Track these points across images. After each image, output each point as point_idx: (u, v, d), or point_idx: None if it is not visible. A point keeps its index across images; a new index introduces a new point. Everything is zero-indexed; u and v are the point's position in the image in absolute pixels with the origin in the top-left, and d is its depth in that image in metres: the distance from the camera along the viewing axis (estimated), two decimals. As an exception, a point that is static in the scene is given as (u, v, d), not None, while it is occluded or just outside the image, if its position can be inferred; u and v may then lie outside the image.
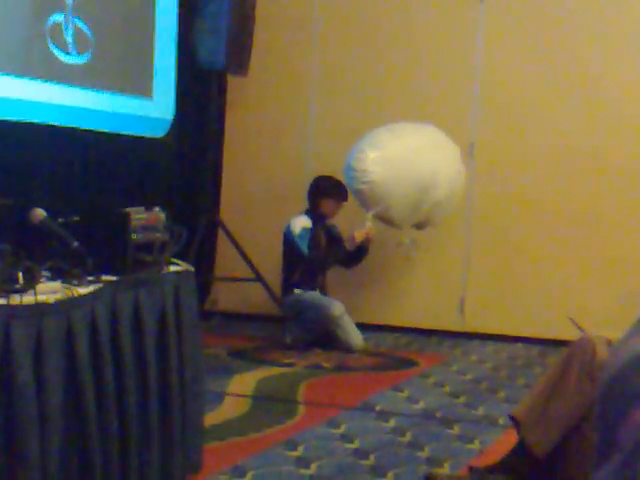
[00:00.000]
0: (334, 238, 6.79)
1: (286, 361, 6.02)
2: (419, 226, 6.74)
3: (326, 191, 6.69)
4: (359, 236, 6.50)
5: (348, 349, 6.39)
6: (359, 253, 6.69)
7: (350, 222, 6.80)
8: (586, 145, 6.88)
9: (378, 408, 4.90)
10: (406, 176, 6.38)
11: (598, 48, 6.88)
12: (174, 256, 3.54)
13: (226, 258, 7.53)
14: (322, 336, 6.49)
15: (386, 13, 7.32)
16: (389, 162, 6.38)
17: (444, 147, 6.60)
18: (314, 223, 6.66)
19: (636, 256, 6.82)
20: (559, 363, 3.38)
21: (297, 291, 6.61)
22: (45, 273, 2.86)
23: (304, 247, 6.55)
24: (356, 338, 6.47)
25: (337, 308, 6.45)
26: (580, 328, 3.59)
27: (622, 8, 6.85)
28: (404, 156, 6.42)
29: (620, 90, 6.82)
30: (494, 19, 7.07)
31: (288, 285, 6.67)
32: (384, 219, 6.57)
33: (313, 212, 6.71)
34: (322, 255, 6.62)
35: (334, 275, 6.87)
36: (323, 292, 6.71)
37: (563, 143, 6.83)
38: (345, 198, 6.70)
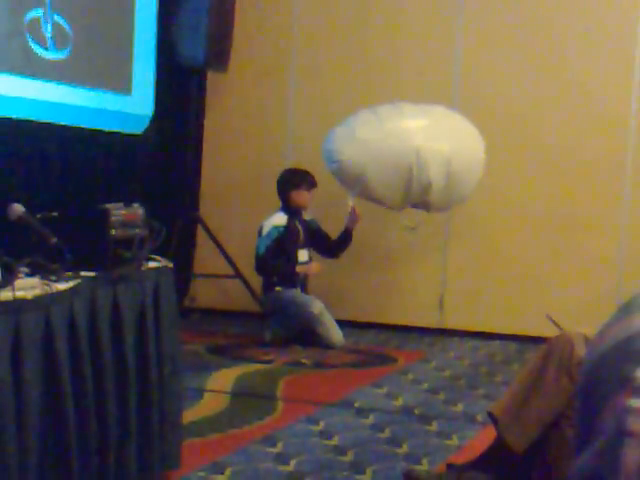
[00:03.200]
0: (313, 232, 6.79)
1: (265, 358, 6.02)
2: (425, 208, 6.62)
3: (292, 182, 6.68)
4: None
5: (328, 345, 6.39)
6: (345, 239, 6.69)
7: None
8: (563, 145, 6.92)
9: (357, 405, 4.91)
10: (378, 155, 6.30)
11: (577, 50, 6.91)
12: (153, 252, 3.53)
13: (205, 254, 7.52)
14: (302, 333, 6.49)
15: (367, 8, 7.33)
16: (358, 141, 6.35)
17: (443, 128, 6.44)
18: (290, 218, 6.66)
19: (611, 254, 6.87)
20: (537, 360, 3.40)
21: (278, 289, 6.60)
22: (23, 269, 2.84)
23: (262, 246, 6.54)
24: (337, 334, 6.48)
25: (317, 306, 6.45)
26: (557, 325, 3.61)
27: (600, 9, 6.88)
28: (376, 135, 6.33)
29: (599, 91, 6.85)
30: (474, 20, 7.09)
31: (269, 283, 6.66)
32: (374, 200, 6.53)
33: (287, 207, 6.70)
34: (268, 263, 6.58)
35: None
36: (304, 290, 6.70)
37: (538, 143, 6.87)
38: (313, 185, 6.68)
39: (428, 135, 6.34)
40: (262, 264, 6.57)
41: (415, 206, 6.59)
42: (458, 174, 6.38)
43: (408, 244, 7.24)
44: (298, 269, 6.59)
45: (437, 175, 6.31)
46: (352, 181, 6.44)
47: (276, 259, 6.57)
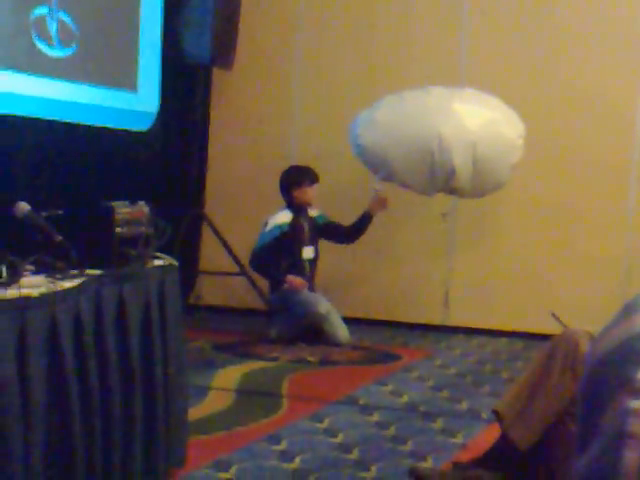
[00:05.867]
0: (321, 227, 6.78)
1: (270, 355, 6.02)
2: (456, 194, 6.55)
3: (294, 180, 6.68)
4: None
5: (334, 343, 6.39)
6: (364, 223, 6.64)
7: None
8: (569, 142, 6.91)
9: (362, 402, 4.91)
10: (399, 139, 6.27)
11: (577, 48, 6.90)
12: (158, 250, 3.54)
13: (210, 252, 7.53)
14: (308, 331, 6.49)
15: (371, 4, 7.33)
16: (379, 125, 6.34)
17: (471, 112, 6.30)
18: (295, 215, 6.66)
19: (617, 252, 6.86)
20: (542, 357, 3.40)
21: (285, 287, 6.59)
22: (29, 267, 2.85)
23: (260, 243, 6.55)
24: (343, 332, 6.48)
25: (324, 306, 6.45)
26: (562, 323, 3.61)
27: (608, 6, 6.87)
28: (397, 118, 6.31)
29: (601, 88, 6.84)
30: (477, 13, 7.08)
31: (275, 281, 6.66)
32: (401, 185, 6.51)
33: (291, 204, 6.70)
34: (261, 261, 6.58)
35: (320, 269, 6.86)
36: (311, 287, 6.70)
37: (545, 140, 6.85)
38: (314, 180, 6.67)
39: (452, 119, 6.23)
40: (255, 260, 6.58)
41: (447, 192, 6.53)
42: (486, 160, 6.23)
43: (413, 241, 7.24)
44: (287, 279, 6.55)
45: (461, 161, 6.20)
46: (376, 165, 6.44)
47: (273, 259, 6.57)
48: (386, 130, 6.31)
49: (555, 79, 6.95)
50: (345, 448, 4.05)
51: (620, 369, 0.87)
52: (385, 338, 6.88)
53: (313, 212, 6.80)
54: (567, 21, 6.94)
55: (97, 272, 3.06)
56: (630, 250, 6.85)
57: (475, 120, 6.26)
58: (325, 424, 4.43)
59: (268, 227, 6.59)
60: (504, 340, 6.88)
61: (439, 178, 6.27)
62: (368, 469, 3.77)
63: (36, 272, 2.88)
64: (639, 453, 0.83)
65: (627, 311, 0.92)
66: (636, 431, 0.84)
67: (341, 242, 6.83)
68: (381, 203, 6.59)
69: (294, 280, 6.54)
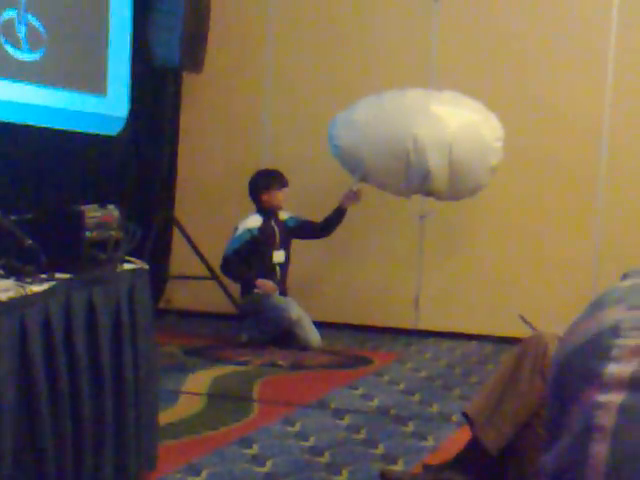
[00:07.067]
0: (291, 230, 6.77)
1: (241, 359, 6.01)
2: (434, 196, 6.54)
3: (263, 184, 6.68)
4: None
5: (306, 347, 6.40)
6: (337, 217, 6.64)
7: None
8: (538, 149, 6.95)
9: (333, 406, 4.91)
10: (374, 140, 6.27)
11: (548, 50, 6.95)
12: (128, 254, 3.53)
13: (181, 256, 7.51)
14: (278, 335, 6.49)
15: (341, 8, 7.34)
16: (356, 126, 6.34)
17: (447, 114, 6.27)
18: (266, 219, 6.66)
19: (584, 256, 6.91)
20: (511, 360, 3.42)
21: (256, 291, 6.58)
22: (-2, 271, 2.84)
23: (230, 248, 6.55)
24: (314, 337, 6.48)
25: (295, 312, 6.45)
26: (531, 326, 3.63)
27: (573, 12, 6.93)
28: (373, 119, 6.31)
29: (571, 92, 6.90)
30: (448, 18, 7.12)
31: (246, 285, 6.65)
32: (378, 186, 6.53)
33: (261, 208, 6.70)
34: (232, 266, 6.58)
35: (291, 273, 6.86)
36: (282, 292, 6.69)
37: (516, 144, 6.88)
38: (283, 184, 6.67)
39: (428, 121, 6.22)
40: (226, 266, 6.58)
41: (424, 194, 6.53)
42: (462, 162, 6.21)
43: (384, 245, 7.26)
44: (257, 282, 6.55)
45: (437, 162, 6.19)
46: (353, 166, 6.45)
47: (243, 264, 6.57)
48: (362, 131, 6.33)
49: (525, 87, 6.98)
50: (316, 452, 4.05)
51: (588, 364, 0.88)
52: (356, 342, 6.89)
53: (284, 215, 6.80)
54: (536, 29, 6.98)
55: (67, 276, 3.04)
56: (598, 254, 6.91)
57: (452, 122, 6.25)
58: (296, 428, 4.43)
59: (238, 231, 6.59)
60: (474, 343, 6.90)
61: (415, 179, 6.28)
62: (339, 472, 3.78)
63: (5, 276, 2.86)
64: (607, 446, 0.84)
65: (595, 307, 0.93)
66: (604, 424, 0.85)
67: (315, 237, 6.83)
68: (353, 197, 6.58)
69: (265, 284, 6.54)
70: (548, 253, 6.97)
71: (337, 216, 6.65)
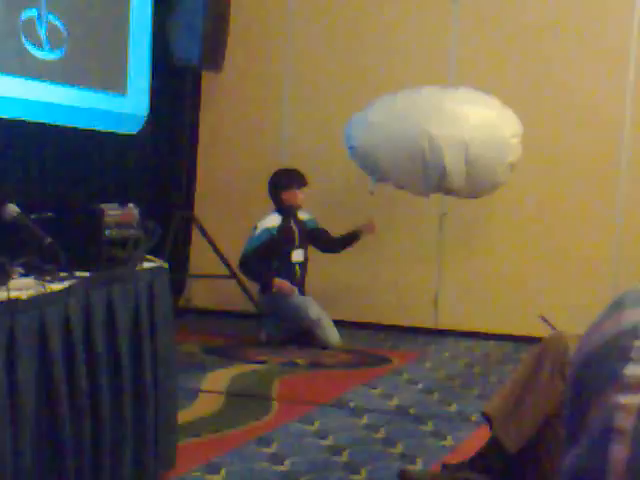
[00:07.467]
0: (310, 231, 6.78)
1: (260, 358, 6.02)
2: (453, 194, 6.52)
3: (282, 183, 6.67)
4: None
5: (325, 346, 6.39)
6: (352, 241, 6.73)
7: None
8: (558, 147, 6.92)
9: (352, 405, 4.91)
10: (390, 139, 6.25)
11: (568, 45, 6.91)
12: (148, 252, 3.54)
13: (200, 255, 7.52)
14: (297, 334, 6.49)
15: (360, 7, 7.33)
16: (371, 126, 6.33)
17: (463, 111, 6.23)
18: (285, 218, 6.66)
19: (607, 254, 6.88)
20: (531, 359, 3.40)
21: (274, 290, 6.57)
22: (18, 269, 2.85)
23: (249, 246, 6.54)
24: (334, 336, 6.47)
25: (315, 311, 6.45)
26: (551, 326, 3.62)
27: (593, 6, 6.89)
28: (388, 119, 6.30)
29: (591, 87, 6.86)
30: (467, 18, 7.10)
31: (264, 285, 6.65)
32: (396, 186, 6.52)
33: (280, 208, 6.70)
34: (250, 265, 6.58)
35: (310, 273, 6.86)
36: (301, 291, 6.69)
37: (535, 140, 6.85)
38: (303, 183, 6.67)
39: (444, 119, 6.18)
40: (244, 265, 6.58)
41: (443, 192, 6.50)
42: (479, 159, 6.17)
43: (403, 244, 7.24)
44: (275, 283, 6.54)
45: (453, 160, 6.15)
46: (370, 166, 6.44)
47: (262, 263, 6.56)
48: (377, 131, 6.31)
49: (544, 83, 6.95)
50: (335, 451, 4.05)
51: (608, 365, 0.87)
52: (375, 341, 6.89)
53: (304, 215, 6.79)
54: (555, 25, 6.95)
55: (86, 274, 3.05)
56: (618, 253, 6.87)
57: (467, 119, 6.22)
58: (315, 427, 4.43)
59: (257, 231, 6.58)
60: (493, 343, 6.88)
61: (432, 178, 6.26)
62: (358, 472, 3.77)
63: (25, 274, 2.87)
64: (627, 448, 0.84)
65: (615, 307, 0.93)
66: (624, 426, 0.84)
67: (324, 250, 6.84)
68: (370, 228, 6.70)
69: (282, 285, 6.53)
70: (568, 252, 6.94)
71: (351, 239, 6.74)
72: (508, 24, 7.04)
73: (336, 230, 6.79)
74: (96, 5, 6.30)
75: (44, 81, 5.74)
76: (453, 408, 4.93)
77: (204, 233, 7.13)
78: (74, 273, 3.00)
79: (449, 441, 4.29)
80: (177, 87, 7.34)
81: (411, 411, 4.83)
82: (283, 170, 6.79)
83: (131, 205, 3.44)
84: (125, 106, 6.66)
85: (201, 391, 5.04)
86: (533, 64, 6.98)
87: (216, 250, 7.06)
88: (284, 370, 5.71)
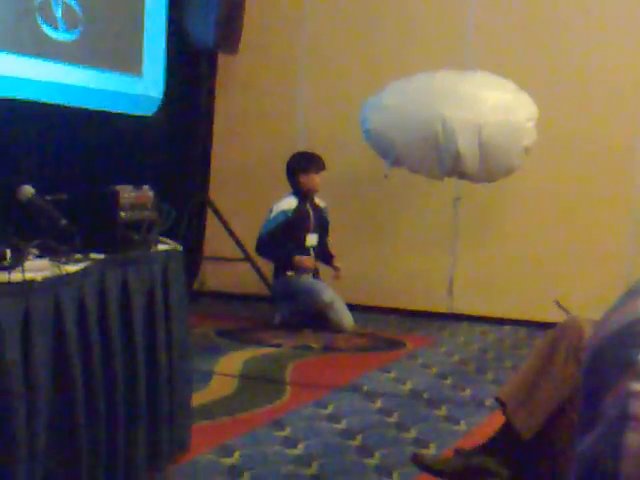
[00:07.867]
0: (324, 218, 6.79)
1: (274, 341, 6.02)
2: (468, 178, 6.49)
3: (300, 166, 6.65)
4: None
5: (339, 330, 6.39)
6: (326, 262, 6.78)
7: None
8: (575, 127, 6.88)
9: (365, 389, 4.91)
10: (404, 123, 6.25)
11: (585, 28, 6.87)
12: (163, 235, 3.54)
13: (215, 238, 7.52)
14: (311, 317, 6.49)
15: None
16: (386, 109, 6.33)
17: (477, 95, 6.23)
18: (301, 201, 6.65)
19: (621, 241, 6.85)
20: (545, 345, 3.39)
21: (289, 274, 6.58)
22: (33, 251, 2.85)
23: (265, 229, 6.54)
24: (347, 320, 6.47)
25: (328, 295, 6.45)
26: (566, 311, 3.61)
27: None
28: (402, 103, 6.29)
29: (608, 71, 6.81)
30: (483, 1, 7.07)
31: (280, 267, 6.66)
32: (411, 169, 6.51)
33: (297, 191, 6.69)
34: (267, 247, 6.58)
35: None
36: (315, 275, 6.69)
37: (551, 124, 6.80)
38: (321, 167, 6.66)
39: (457, 102, 6.16)
40: (261, 246, 6.58)
41: (457, 176, 6.49)
42: (493, 143, 6.15)
43: (418, 228, 7.23)
44: (295, 259, 6.54)
45: (466, 144, 6.13)
46: (384, 150, 6.43)
47: (278, 244, 6.56)
48: (392, 114, 6.30)
49: (561, 66, 6.91)
50: (348, 434, 4.06)
51: (623, 352, 0.87)
52: (389, 325, 6.89)
53: (321, 202, 6.79)
54: (572, 7, 6.91)
55: (101, 256, 3.06)
56: (634, 238, 6.84)
57: (483, 103, 6.21)
58: (329, 410, 4.43)
59: (273, 213, 6.58)
60: (508, 328, 6.87)
61: (446, 162, 6.24)
62: (371, 455, 3.78)
63: (40, 256, 2.87)
64: None
65: (630, 294, 0.92)
66: (638, 414, 0.84)
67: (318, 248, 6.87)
68: (335, 276, 6.68)
69: (303, 260, 6.53)
70: (583, 237, 6.91)
71: (326, 259, 6.77)
72: (524, 8, 7.00)
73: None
74: (112, -14, 6.29)
75: (59, 62, 5.74)
76: (467, 393, 4.93)
77: (219, 216, 7.13)
78: (89, 255, 3.01)
79: (462, 426, 4.29)
80: (193, 69, 7.33)
81: (425, 395, 4.83)
82: (302, 153, 6.77)
83: (146, 187, 3.44)
84: (140, 88, 6.65)
85: (215, 374, 5.05)
86: (550, 48, 6.94)
87: (231, 233, 7.07)
88: (298, 354, 5.72)
